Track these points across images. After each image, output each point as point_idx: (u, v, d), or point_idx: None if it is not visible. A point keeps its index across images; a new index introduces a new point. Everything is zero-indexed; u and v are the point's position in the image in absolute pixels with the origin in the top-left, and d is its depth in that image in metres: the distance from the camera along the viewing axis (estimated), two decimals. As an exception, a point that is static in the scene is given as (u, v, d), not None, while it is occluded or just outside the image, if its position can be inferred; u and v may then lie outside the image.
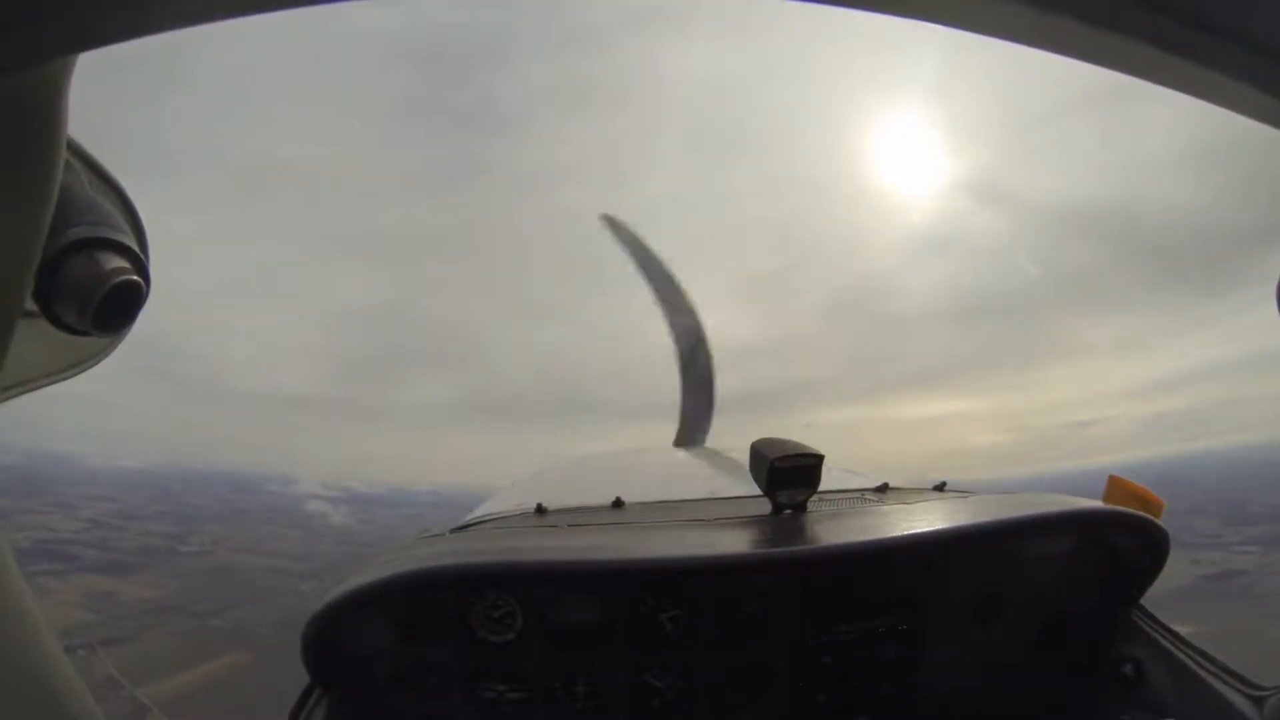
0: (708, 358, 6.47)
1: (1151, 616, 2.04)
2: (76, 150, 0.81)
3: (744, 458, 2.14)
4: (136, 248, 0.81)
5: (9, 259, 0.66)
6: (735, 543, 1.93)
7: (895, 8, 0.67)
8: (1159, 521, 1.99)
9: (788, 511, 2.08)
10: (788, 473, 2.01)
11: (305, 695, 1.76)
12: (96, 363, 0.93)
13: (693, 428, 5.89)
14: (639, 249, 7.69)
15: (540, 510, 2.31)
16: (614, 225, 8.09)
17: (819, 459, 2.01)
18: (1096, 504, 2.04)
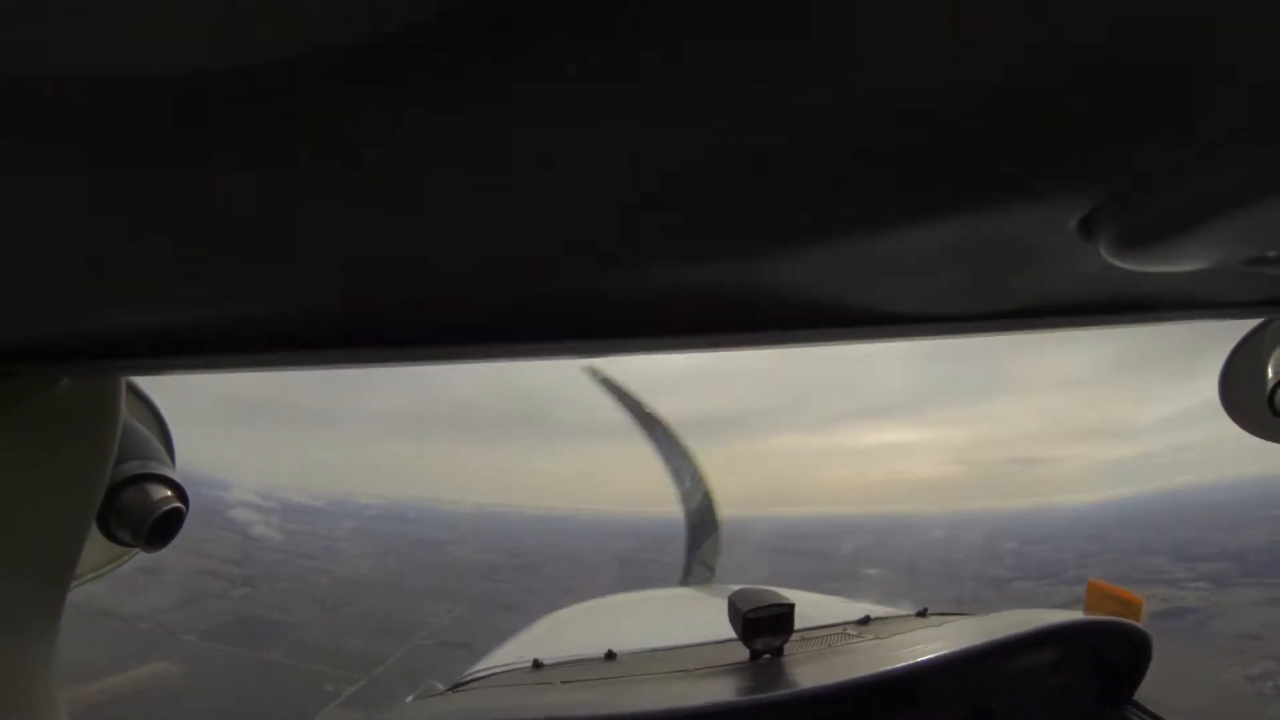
0: (709, 500, 6.97)
1: (1147, 711, 2.12)
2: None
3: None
4: (176, 477, 0.97)
5: (85, 492, 0.83)
6: (714, 691, 2.01)
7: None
8: (1140, 626, 2.11)
9: (766, 656, 2.20)
10: (761, 622, 2.15)
11: None
12: (134, 555, 1.07)
13: (701, 564, 6.33)
14: (634, 405, 8.30)
15: (537, 665, 2.46)
16: (605, 382, 8.60)
17: (789, 607, 2.16)
18: (1077, 616, 2.19)
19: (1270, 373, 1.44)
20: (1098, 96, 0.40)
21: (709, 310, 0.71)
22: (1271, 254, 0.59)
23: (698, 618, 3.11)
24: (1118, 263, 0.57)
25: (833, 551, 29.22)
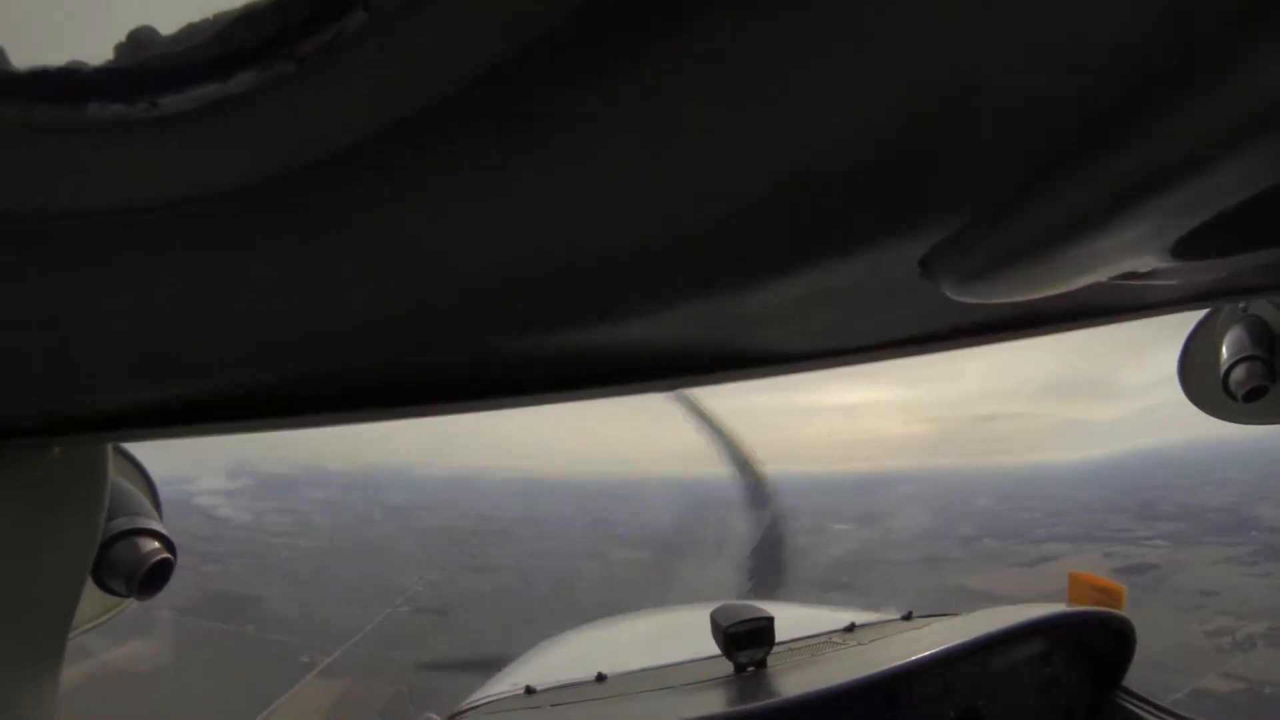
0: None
1: (1135, 695, 2.19)
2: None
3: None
4: (164, 529, 1.04)
5: (79, 551, 0.88)
6: (699, 706, 2.09)
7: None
8: (1122, 614, 2.18)
9: (750, 669, 2.26)
10: (742, 636, 2.22)
11: None
12: (129, 605, 1.14)
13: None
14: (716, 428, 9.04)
15: (529, 691, 2.52)
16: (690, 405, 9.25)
17: (769, 620, 2.23)
18: (1060, 608, 2.25)
19: (1224, 356, 1.55)
20: (901, 167, 0.44)
21: (645, 357, 0.78)
22: (1141, 269, 0.62)
23: (686, 636, 3.16)
24: (957, 298, 0.62)
25: (802, 508, 29.64)
